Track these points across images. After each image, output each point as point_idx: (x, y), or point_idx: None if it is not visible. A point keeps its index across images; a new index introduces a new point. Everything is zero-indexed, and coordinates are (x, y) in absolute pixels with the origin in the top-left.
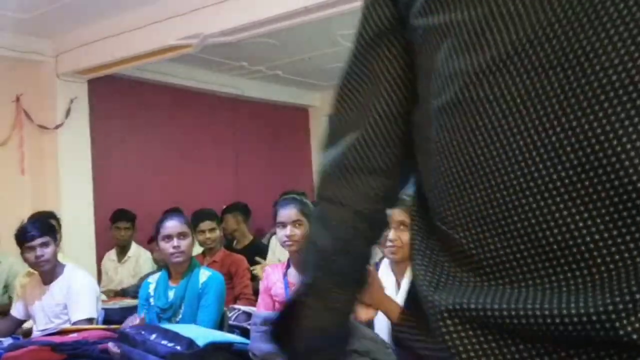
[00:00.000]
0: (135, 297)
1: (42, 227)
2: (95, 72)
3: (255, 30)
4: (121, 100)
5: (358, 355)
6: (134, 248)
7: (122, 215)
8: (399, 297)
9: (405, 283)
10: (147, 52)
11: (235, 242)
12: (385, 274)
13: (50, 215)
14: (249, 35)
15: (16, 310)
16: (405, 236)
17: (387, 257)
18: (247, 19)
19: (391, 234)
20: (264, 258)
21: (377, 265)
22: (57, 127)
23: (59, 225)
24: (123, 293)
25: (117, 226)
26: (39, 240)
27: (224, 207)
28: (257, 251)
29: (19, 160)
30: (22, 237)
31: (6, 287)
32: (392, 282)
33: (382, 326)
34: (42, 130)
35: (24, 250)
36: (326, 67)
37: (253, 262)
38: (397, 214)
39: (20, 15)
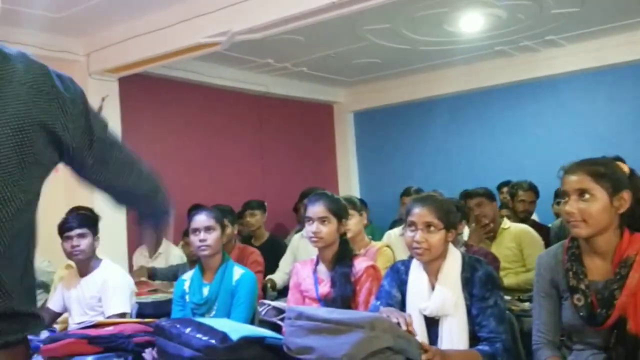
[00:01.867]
0: (162, 279)
1: (81, 219)
2: (126, 70)
3: (283, 26)
4: (150, 98)
5: (393, 352)
6: (164, 244)
7: None
8: (432, 301)
9: (440, 289)
10: (176, 50)
11: (252, 239)
12: (417, 275)
13: (90, 210)
14: (277, 31)
15: (53, 302)
16: (432, 238)
17: (415, 258)
18: (275, 16)
19: (418, 235)
20: (282, 255)
21: (407, 264)
22: None
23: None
24: (152, 274)
25: None
26: (76, 231)
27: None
28: (274, 248)
29: None
30: (62, 227)
31: (41, 287)
32: (425, 283)
33: (417, 327)
34: None
35: (63, 240)
36: (352, 63)
37: (272, 260)
38: (425, 215)
39: (52, 14)
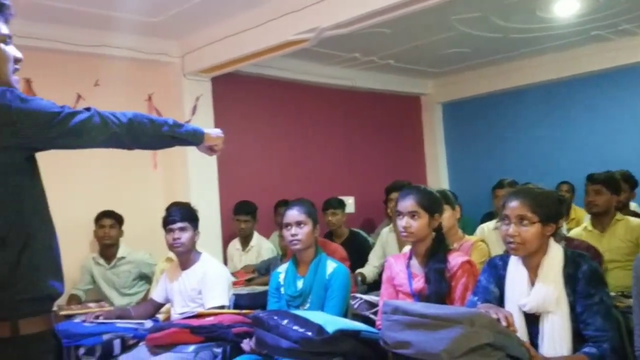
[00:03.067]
0: (262, 274)
1: (183, 214)
2: (218, 70)
3: (371, 20)
4: (241, 96)
5: (493, 349)
6: (256, 238)
7: (241, 209)
8: (532, 297)
9: (540, 284)
10: (266, 49)
11: (333, 236)
12: (515, 270)
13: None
14: (364, 25)
15: (156, 294)
16: (526, 232)
17: (510, 253)
18: (362, 10)
19: (511, 228)
20: (365, 252)
21: (505, 259)
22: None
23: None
24: (254, 271)
25: (238, 219)
26: (178, 224)
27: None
28: (356, 244)
29: (151, 156)
30: (165, 220)
31: (143, 278)
32: (524, 278)
33: (517, 323)
34: None
35: (166, 232)
36: (440, 54)
37: (355, 256)
38: (518, 208)
39: (149, 19)
